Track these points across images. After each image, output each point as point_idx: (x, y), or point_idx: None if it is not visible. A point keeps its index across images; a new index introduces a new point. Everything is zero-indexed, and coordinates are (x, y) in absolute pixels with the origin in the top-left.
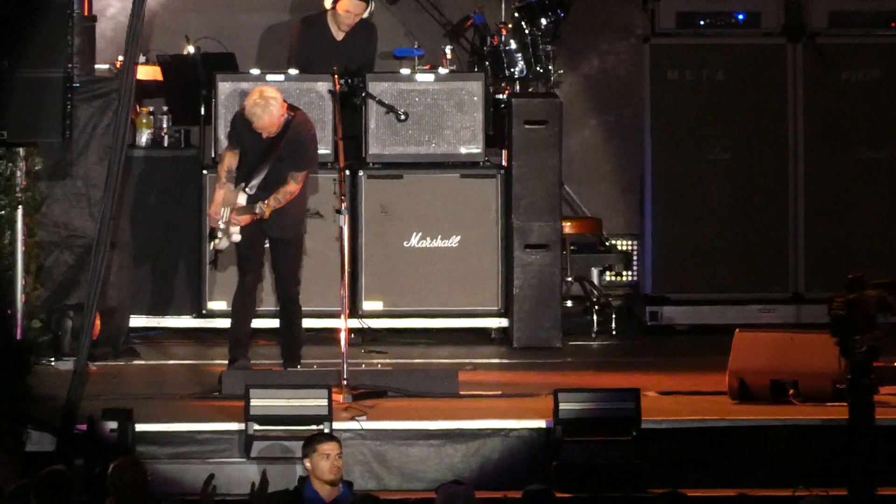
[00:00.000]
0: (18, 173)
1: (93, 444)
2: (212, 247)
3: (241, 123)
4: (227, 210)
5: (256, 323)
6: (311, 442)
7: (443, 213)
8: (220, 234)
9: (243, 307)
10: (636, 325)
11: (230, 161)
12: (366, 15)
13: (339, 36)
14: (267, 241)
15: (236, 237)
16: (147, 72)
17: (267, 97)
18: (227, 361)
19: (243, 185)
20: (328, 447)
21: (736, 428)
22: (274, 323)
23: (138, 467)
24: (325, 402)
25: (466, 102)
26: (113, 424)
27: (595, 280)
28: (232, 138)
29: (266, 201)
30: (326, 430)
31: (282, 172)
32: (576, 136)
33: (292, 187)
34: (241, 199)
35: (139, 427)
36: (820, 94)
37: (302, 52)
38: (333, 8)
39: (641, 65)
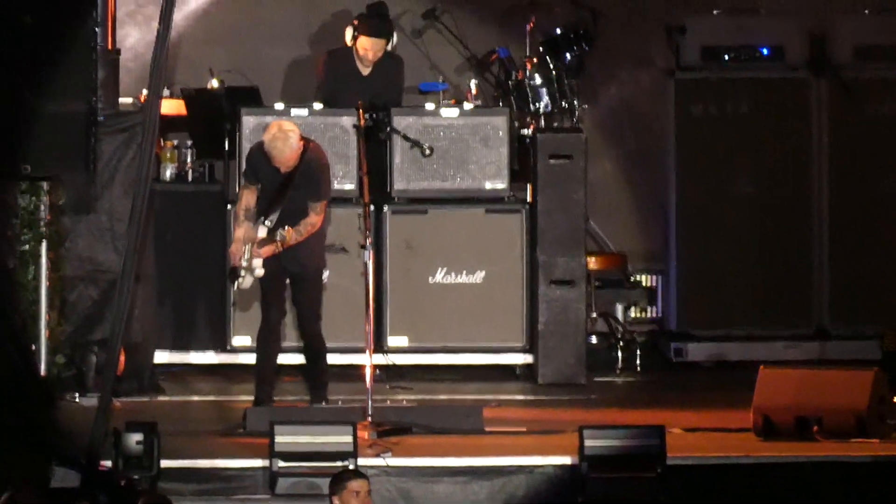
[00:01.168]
0: (42, 207)
1: (117, 456)
2: (235, 287)
3: (258, 159)
4: (248, 247)
5: (282, 359)
6: (340, 479)
7: (468, 248)
8: (242, 273)
9: (268, 343)
10: (661, 362)
11: (248, 199)
12: (389, 48)
13: (366, 70)
14: (288, 277)
15: (259, 272)
16: (171, 105)
17: (286, 130)
18: (251, 397)
19: (262, 218)
20: (357, 485)
21: (761, 464)
22: (299, 359)
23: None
24: (349, 438)
25: (491, 137)
26: (139, 436)
27: (620, 316)
28: (248, 175)
29: (288, 240)
30: (351, 467)
31: (299, 203)
32: (596, 167)
33: (313, 219)
34: (262, 233)
35: (162, 464)
36: (844, 127)
37: (328, 85)
38: (354, 45)
39: (665, 98)
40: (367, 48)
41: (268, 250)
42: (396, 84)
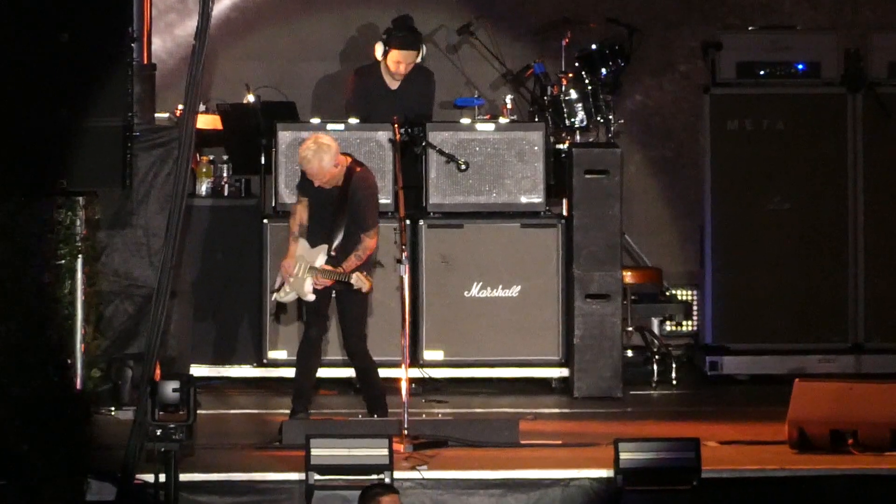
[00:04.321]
0: (78, 222)
1: (154, 405)
2: (274, 298)
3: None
4: (303, 266)
5: (320, 373)
6: (371, 494)
7: (503, 262)
8: (287, 288)
9: (308, 359)
10: (696, 375)
11: (302, 214)
12: (419, 60)
13: (394, 84)
14: (333, 294)
15: (311, 297)
16: (207, 121)
17: (320, 143)
18: (288, 411)
19: (326, 246)
20: (388, 499)
21: (796, 478)
22: (337, 373)
23: None
24: (385, 451)
25: (527, 152)
26: (175, 384)
27: (655, 330)
28: (300, 189)
29: (349, 267)
30: (387, 480)
31: (353, 231)
32: (631, 181)
33: (368, 243)
34: (321, 261)
35: (199, 477)
36: (880, 143)
37: (358, 102)
38: (384, 59)
39: (701, 114)
40: (399, 61)
41: (329, 282)
42: (426, 96)
